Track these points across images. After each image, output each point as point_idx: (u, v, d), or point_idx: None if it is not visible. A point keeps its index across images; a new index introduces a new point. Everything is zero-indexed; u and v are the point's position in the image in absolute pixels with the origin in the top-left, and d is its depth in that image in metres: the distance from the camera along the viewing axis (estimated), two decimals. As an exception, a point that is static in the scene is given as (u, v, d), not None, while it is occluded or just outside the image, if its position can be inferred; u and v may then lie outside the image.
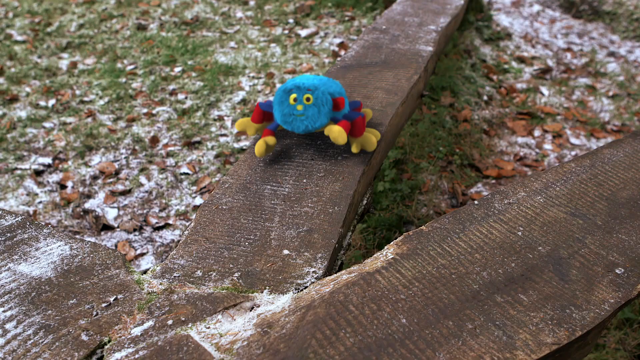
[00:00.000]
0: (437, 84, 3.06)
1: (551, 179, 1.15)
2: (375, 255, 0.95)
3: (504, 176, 2.46)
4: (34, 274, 0.98)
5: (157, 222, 2.19)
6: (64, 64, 3.49)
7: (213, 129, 2.82)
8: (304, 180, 1.17)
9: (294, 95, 1.13)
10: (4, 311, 0.91)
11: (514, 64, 3.59)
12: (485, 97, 3.12)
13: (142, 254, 2.05)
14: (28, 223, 1.10)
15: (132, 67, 3.44)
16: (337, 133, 1.14)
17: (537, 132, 2.86)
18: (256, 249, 0.99)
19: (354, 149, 1.21)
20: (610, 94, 3.28)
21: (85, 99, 3.09)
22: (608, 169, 1.18)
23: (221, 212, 1.09)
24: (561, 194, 1.10)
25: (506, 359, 0.76)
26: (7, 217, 1.12)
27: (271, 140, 1.19)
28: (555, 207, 1.06)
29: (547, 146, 2.75)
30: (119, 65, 3.46)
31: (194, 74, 3.34)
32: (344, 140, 1.15)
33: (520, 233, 0.99)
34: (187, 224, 2.17)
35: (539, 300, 0.86)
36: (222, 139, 2.73)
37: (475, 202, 1.07)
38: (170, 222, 2.19)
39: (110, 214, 2.24)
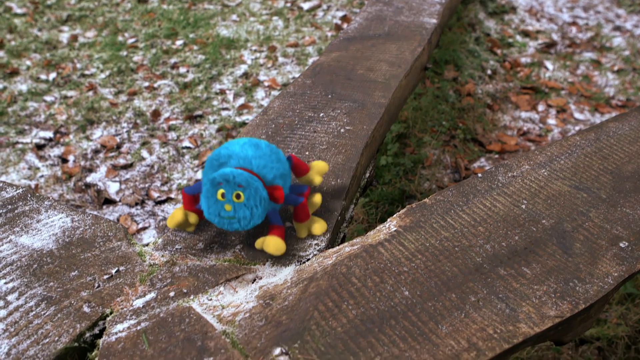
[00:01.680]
0: (440, 58, 3.04)
1: (555, 153, 1.14)
2: (378, 227, 0.94)
3: (507, 151, 2.45)
4: (35, 246, 0.98)
5: (159, 196, 2.19)
6: (64, 37, 3.46)
7: (215, 102, 2.80)
8: (307, 153, 1.16)
9: (221, 191, 0.88)
10: (5, 283, 0.90)
11: (518, 38, 3.55)
12: (489, 71, 3.10)
13: (144, 228, 2.05)
14: (29, 195, 1.10)
15: (133, 40, 3.42)
16: (273, 248, 0.90)
17: (541, 107, 2.84)
18: (258, 222, 0.98)
19: (301, 234, 0.97)
20: (616, 68, 3.25)
21: (86, 72, 3.07)
22: (613, 143, 1.17)
23: (223, 185, 1.08)
24: (565, 167, 1.09)
25: (509, 331, 0.76)
26: (8, 189, 1.11)
27: (193, 217, 0.96)
28: (559, 180, 1.05)
29: (551, 121, 2.73)
30: (119, 38, 3.43)
31: (195, 47, 3.31)
32: (282, 252, 0.91)
33: (524, 206, 0.99)
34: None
35: (543, 273, 0.85)
36: (224, 113, 2.72)
37: (479, 175, 1.06)
38: (172, 196, 2.19)
39: (112, 188, 2.24)
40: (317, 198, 1.00)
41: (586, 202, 1.00)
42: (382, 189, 2.13)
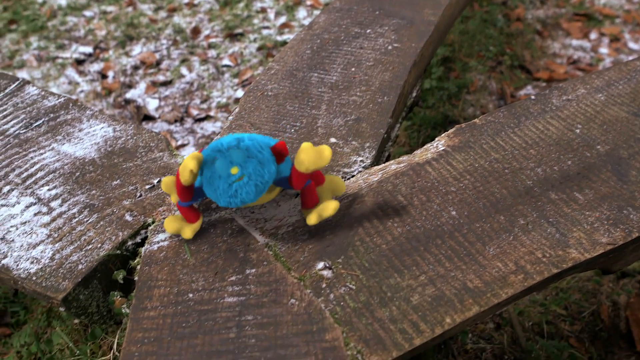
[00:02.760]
0: (490, -20, 2.91)
1: (614, 77, 1.08)
2: (425, 146, 0.91)
3: (555, 79, 2.36)
4: (77, 154, 0.97)
5: (198, 114, 2.18)
6: (104, -50, 3.40)
7: (256, 20, 2.74)
8: (353, 69, 1.13)
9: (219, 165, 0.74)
10: (49, 189, 0.91)
11: (573, -39, 3.38)
12: (540, -4, 2.96)
13: (183, 145, 2.05)
14: (71, 104, 1.09)
15: (173, -45, 3.34)
16: (332, 210, 0.76)
17: (593, 35, 2.72)
18: (302, 136, 0.96)
19: (311, 220, 0.77)
20: (675, -5, 3.08)
21: (126, -13, 3.03)
22: (677, 68, 1.10)
23: (266, 99, 1.05)
24: (624, 92, 1.04)
25: (558, 256, 0.73)
26: (50, 98, 1.11)
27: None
28: (616, 105, 1.00)
29: (603, 50, 2.62)
30: (159, -47, 3.36)
31: (236, -36, 3.23)
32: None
33: (578, 131, 0.94)
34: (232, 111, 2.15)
35: (595, 199, 0.82)
36: (264, 32, 2.66)
37: (532, 97, 1.02)
38: (212, 114, 2.18)
39: (152, 104, 2.23)
40: (331, 206, 0.77)
41: (645, 129, 0.95)
42: (425, 113, 2.08)
